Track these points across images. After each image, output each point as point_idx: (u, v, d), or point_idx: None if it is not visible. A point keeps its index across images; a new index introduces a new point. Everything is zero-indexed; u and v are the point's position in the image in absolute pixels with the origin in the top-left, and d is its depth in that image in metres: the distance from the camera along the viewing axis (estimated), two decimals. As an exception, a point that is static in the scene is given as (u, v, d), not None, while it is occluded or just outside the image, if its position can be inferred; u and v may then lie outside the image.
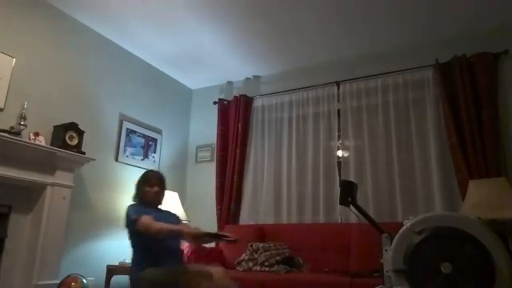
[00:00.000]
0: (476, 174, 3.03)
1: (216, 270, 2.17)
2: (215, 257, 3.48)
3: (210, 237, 2.17)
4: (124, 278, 3.36)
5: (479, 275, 1.53)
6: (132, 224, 2.22)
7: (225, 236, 2.15)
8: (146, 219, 2.17)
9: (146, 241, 2.21)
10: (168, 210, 2.65)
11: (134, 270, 2.29)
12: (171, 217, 2.53)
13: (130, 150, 3.93)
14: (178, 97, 4.75)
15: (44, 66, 3.21)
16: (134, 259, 2.32)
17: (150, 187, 2.46)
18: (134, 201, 2.50)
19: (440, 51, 3.48)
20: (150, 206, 2.45)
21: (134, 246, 2.32)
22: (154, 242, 2.21)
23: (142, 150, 4.09)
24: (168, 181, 4.29)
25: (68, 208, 3.07)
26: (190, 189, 4.56)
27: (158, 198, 2.50)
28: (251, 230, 3.61)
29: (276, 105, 4.24)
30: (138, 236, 2.22)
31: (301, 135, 4.02)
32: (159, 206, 2.58)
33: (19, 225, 2.89)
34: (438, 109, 3.42)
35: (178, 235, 2.22)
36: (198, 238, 2.13)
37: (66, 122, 3.16)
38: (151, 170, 2.62)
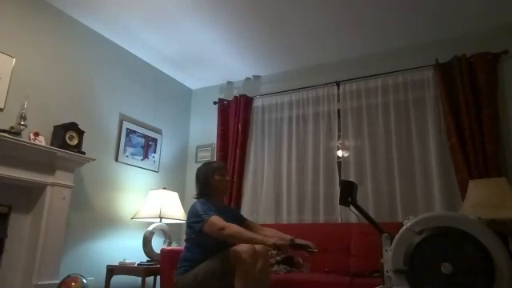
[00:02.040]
0: (476, 174, 3.03)
1: (260, 248, 2.10)
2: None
3: (293, 247, 2.09)
4: (124, 278, 3.37)
5: (479, 275, 1.53)
6: (200, 222, 2.11)
7: (308, 246, 2.10)
8: (217, 220, 2.07)
9: (210, 241, 2.12)
10: (228, 205, 2.57)
11: (179, 271, 2.20)
12: (236, 216, 2.43)
13: (129, 150, 3.93)
14: (178, 97, 4.75)
15: (44, 66, 3.21)
16: (190, 258, 2.22)
17: (222, 176, 2.38)
18: (199, 197, 2.38)
19: (440, 51, 3.48)
20: (218, 198, 2.36)
21: (194, 245, 2.23)
22: (219, 243, 2.12)
23: (142, 150, 4.08)
24: (168, 181, 4.32)
25: (68, 208, 3.07)
26: (190, 189, 4.55)
27: (228, 187, 2.42)
28: (251, 230, 3.60)
29: (276, 105, 4.24)
30: (203, 236, 2.12)
31: (301, 135, 4.02)
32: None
33: (19, 225, 2.89)
34: (438, 109, 3.42)
35: (259, 244, 2.09)
36: (282, 248, 2.04)
37: (66, 122, 3.16)
38: (213, 161, 2.51)
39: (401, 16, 3.31)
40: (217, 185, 2.38)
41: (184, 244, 3.35)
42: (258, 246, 2.08)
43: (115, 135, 3.81)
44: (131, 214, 3.72)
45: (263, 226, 3.67)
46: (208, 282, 2.10)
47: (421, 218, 1.72)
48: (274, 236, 2.24)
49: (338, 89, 3.92)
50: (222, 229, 2.04)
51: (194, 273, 2.14)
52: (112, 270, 3.28)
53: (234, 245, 2.19)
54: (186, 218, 2.43)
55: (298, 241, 2.23)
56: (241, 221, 2.46)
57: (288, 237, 2.18)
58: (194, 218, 2.20)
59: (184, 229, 4.28)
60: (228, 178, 2.43)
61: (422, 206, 3.27)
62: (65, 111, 3.29)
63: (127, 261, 3.33)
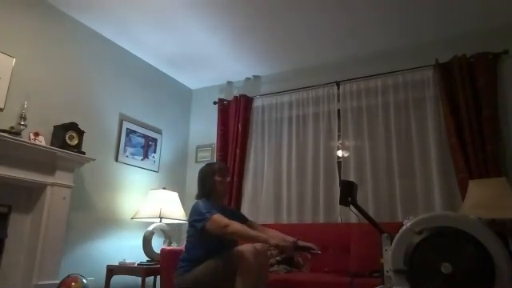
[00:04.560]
0: (476, 174, 3.03)
1: (260, 247, 2.10)
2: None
3: (297, 249, 2.09)
4: (124, 278, 3.37)
5: (479, 275, 1.53)
6: (202, 221, 2.11)
7: (311, 248, 2.09)
8: (219, 218, 2.07)
9: (212, 240, 2.12)
10: (232, 208, 2.58)
11: (179, 270, 2.20)
12: (237, 215, 2.43)
13: (129, 149, 3.93)
14: (178, 97, 4.75)
15: (44, 66, 3.21)
16: (192, 257, 2.22)
17: (223, 177, 2.37)
18: (200, 197, 2.38)
19: (440, 51, 3.48)
20: (218, 199, 2.37)
21: (196, 244, 2.22)
22: (221, 241, 2.12)
23: (142, 150, 4.08)
24: (168, 181, 4.32)
25: (68, 208, 3.07)
26: (190, 189, 4.56)
27: (229, 189, 2.43)
28: (251, 230, 3.60)
29: (276, 105, 4.24)
30: (205, 235, 2.12)
31: (301, 135, 4.02)
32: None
33: (19, 225, 2.89)
34: (438, 109, 3.42)
35: (261, 243, 2.10)
36: (284, 250, 2.04)
37: (65, 122, 3.16)
38: (214, 162, 2.52)
39: (401, 16, 3.31)
40: (217, 186, 2.38)
41: (184, 244, 3.36)
42: (258, 245, 2.08)
43: (115, 135, 3.81)
44: (131, 214, 3.72)
45: (263, 226, 3.69)
46: (209, 282, 2.10)
47: (421, 218, 1.72)
48: (277, 237, 2.23)
49: (338, 89, 3.92)
50: (226, 226, 2.03)
51: (194, 273, 2.14)
52: (112, 270, 3.28)
53: (236, 245, 2.19)
54: (187, 217, 2.42)
55: (301, 243, 2.23)
56: (243, 221, 2.47)
57: (291, 239, 2.17)
58: (197, 217, 2.20)
59: (184, 229, 4.29)
60: (229, 180, 2.42)
61: (422, 205, 3.28)
62: (65, 111, 3.29)
63: (127, 261, 3.33)
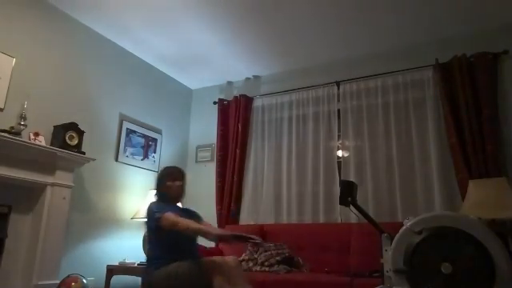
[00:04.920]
0: (476, 174, 3.03)
1: (231, 258, 2.17)
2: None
3: (237, 238, 2.16)
4: (124, 278, 3.36)
5: (479, 275, 1.53)
6: (155, 221, 2.20)
7: (250, 238, 2.16)
8: (171, 215, 2.16)
9: (168, 238, 2.20)
10: (188, 207, 2.63)
11: (151, 267, 2.26)
12: (193, 215, 2.51)
13: (129, 150, 3.93)
14: (178, 97, 4.75)
15: (44, 66, 3.21)
16: (152, 257, 2.30)
17: (173, 181, 2.46)
18: (156, 198, 2.49)
19: (440, 51, 3.48)
20: (172, 202, 2.45)
21: (154, 243, 2.30)
22: (177, 239, 2.20)
23: (142, 150, 4.09)
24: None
25: (68, 208, 3.07)
26: (190, 189, 4.54)
27: (180, 192, 2.50)
28: (251, 230, 3.59)
29: (276, 105, 4.24)
30: (161, 233, 2.20)
31: (301, 135, 4.02)
32: (179, 204, 2.58)
33: (19, 225, 2.89)
34: (437, 109, 3.42)
35: (205, 235, 2.21)
36: (225, 239, 2.16)
37: (65, 122, 3.15)
38: (170, 166, 2.59)
39: (401, 16, 3.31)
40: (167, 190, 2.46)
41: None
42: (229, 261, 2.15)
43: (115, 135, 3.81)
44: (131, 214, 3.72)
45: (263, 226, 3.70)
46: (181, 284, 2.14)
47: (421, 218, 1.72)
48: (218, 229, 2.32)
49: (338, 89, 3.92)
50: (176, 224, 2.14)
51: (167, 271, 2.17)
52: (112, 270, 3.28)
53: (192, 241, 2.35)
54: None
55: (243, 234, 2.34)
56: (199, 220, 2.53)
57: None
58: (149, 218, 2.29)
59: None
60: (178, 183, 2.48)
61: (421, 205, 3.28)
62: (65, 111, 3.29)
63: (127, 261, 3.33)
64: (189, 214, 2.49)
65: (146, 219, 2.35)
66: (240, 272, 2.18)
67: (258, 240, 2.13)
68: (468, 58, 3.32)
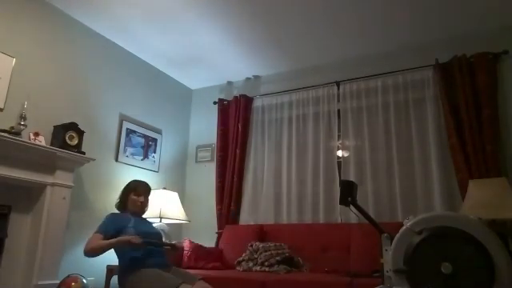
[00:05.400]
0: (476, 173, 3.03)
1: (200, 285, 2.18)
2: (216, 257, 3.48)
3: (148, 244, 2.24)
4: (124, 278, 3.36)
5: (479, 275, 1.53)
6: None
7: (165, 244, 2.30)
8: (91, 238, 2.26)
9: (120, 249, 2.29)
10: (150, 223, 2.69)
11: (120, 276, 2.35)
12: (152, 228, 2.59)
13: (129, 149, 3.93)
14: (178, 97, 4.75)
15: (44, 66, 3.21)
16: (119, 265, 2.39)
17: (137, 196, 2.54)
18: (117, 207, 2.59)
19: (440, 51, 3.48)
20: (135, 213, 2.52)
21: (116, 253, 2.38)
22: (122, 249, 2.29)
23: (142, 150, 4.09)
24: (168, 180, 4.31)
25: (68, 208, 3.07)
26: (190, 189, 4.56)
27: (143, 208, 2.59)
28: (251, 230, 3.61)
29: (276, 105, 4.24)
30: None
31: (301, 135, 4.02)
32: (144, 216, 2.64)
33: (19, 225, 2.89)
34: (438, 109, 3.42)
35: (116, 245, 2.27)
36: (135, 245, 2.18)
37: (65, 122, 3.16)
38: (138, 180, 2.68)
39: (401, 16, 3.31)
40: (129, 203, 2.54)
41: (184, 243, 3.38)
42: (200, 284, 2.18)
43: (115, 135, 3.81)
44: (131, 214, 3.72)
45: (263, 225, 3.69)
46: None
47: (421, 217, 1.72)
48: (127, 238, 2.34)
49: (338, 89, 3.92)
50: (87, 245, 2.23)
51: (139, 276, 2.20)
52: (112, 270, 3.27)
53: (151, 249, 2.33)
54: None
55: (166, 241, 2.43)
56: (158, 238, 2.56)
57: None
58: None
59: (184, 229, 4.30)
60: (141, 199, 2.55)
61: (421, 205, 3.28)
62: (65, 111, 3.29)
63: (127, 261, 3.32)
64: (149, 230, 2.51)
65: None
66: None
67: (172, 245, 2.24)
68: (468, 58, 3.32)
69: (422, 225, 1.69)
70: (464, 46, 3.40)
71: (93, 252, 2.21)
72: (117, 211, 2.61)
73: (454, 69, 3.34)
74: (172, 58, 4.18)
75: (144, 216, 2.82)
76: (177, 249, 2.41)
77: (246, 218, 4.00)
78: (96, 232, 2.31)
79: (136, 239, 2.18)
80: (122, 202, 2.57)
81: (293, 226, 3.68)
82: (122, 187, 2.65)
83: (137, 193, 2.54)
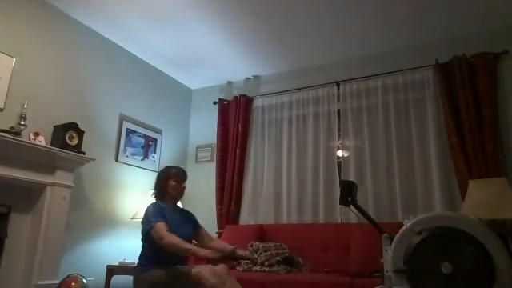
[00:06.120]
0: (476, 173, 3.03)
1: (220, 268, 2.18)
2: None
3: (229, 259, 2.17)
4: (124, 278, 3.36)
5: (479, 275, 1.53)
6: (148, 226, 2.22)
7: (246, 258, 2.14)
8: (160, 228, 2.16)
9: (157, 244, 2.19)
10: (186, 210, 2.64)
11: (138, 268, 2.30)
12: (189, 220, 2.52)
13: (130, 150, 3.93)
14: (178, 97, 4.75)
15: (44, 65, 3.21)
16: (140, 258, 2.34)
17: (179, 183, 2.49)
18: (155, 196, 2.50)
19: (440, 51, 3.48)
20: (171, 201, 2.47)
21: (145, 246, 2.32)
22: (163, 246, 2.20)
23: (142, 150, 4.09)
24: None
25: (68, 208, 3.07)
26: (190, 188, 4.54)
27: (182, 194, 2.52)
28: (251, 230, 3.61)
29: (276, 105, 4.24)
30: (151, 238, 2.20)
31: (301, 135, 4.02)
32: (179, 204, 2.61)
33: (19, 225, 2.89)
34: (438, 109, 3.42)
35: (192, 255, 2.21)
36: (212, 261, 2.13)
37: (65, 122, 3.16)
38: (174, 166, 2.59)
39: (401, 16, 3.31)
40: (171, 190, 2.48)
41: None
42: (219, 269, 2.16)
43: (115, 135, 3.81)
44: (131, 214, 3.72)
45: (263, 225, 3.69)
46: None
47: (421, 217, 1.72)
48: (215, 247, 2.30)
49: (338, 89, 3.92)
50: (162, 238, 2.14)
51: (151, 275, 2.19)
52: (112, 270, 3.28)
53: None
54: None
55: (239, 252, 2.31)
56: (195, 226, 2.53)
57: (229, 248, 2.25)
58: (145, 221, 2.30)
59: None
60: (183, 186, 2.52)
61: (421, 205, 3.28)
62: (65, 111, 3.29)
63: (127, 261, 3.33)
64: (186, 217, 2.50)
65: (142, 219, 2.35)
66: (232, 280, 2.19)
67: (251, 263, 2.11)
68: (468, 58, 3.32)
69: (421, 225, 1.68)
70: (464, 45, 3.40)
71: (169, 247, 2.12)
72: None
73: (454, 69, 3.34)
74: (172, 57, 4.18)
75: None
76: (252, 261, 2.32)
77: (246, 218, 4.00)
78: (157, 221, 2.20)
79: (216, 253, 2.11)
80: (161, 190, 2.48)
81: (293, 226, 3.68)
82: (156, 181, 2.54)
83: (178, 179, 2.49)
